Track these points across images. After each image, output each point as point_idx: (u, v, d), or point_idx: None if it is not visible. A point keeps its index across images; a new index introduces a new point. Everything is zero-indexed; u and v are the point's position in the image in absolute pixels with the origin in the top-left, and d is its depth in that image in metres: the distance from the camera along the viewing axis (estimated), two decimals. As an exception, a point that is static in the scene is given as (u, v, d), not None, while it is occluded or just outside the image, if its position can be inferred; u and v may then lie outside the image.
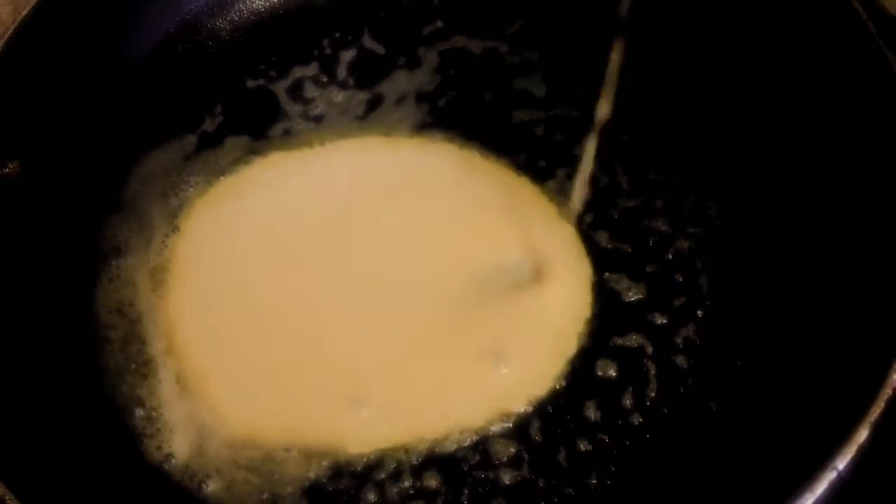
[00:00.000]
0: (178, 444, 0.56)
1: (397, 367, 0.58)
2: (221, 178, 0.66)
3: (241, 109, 0.69)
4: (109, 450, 0.55)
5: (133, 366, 0.59)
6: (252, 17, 0.72)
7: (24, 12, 0.61)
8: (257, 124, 0.68)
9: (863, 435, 0.45)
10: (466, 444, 0.55)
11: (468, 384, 0.57)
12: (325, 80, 0.70)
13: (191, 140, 0.67)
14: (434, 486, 0.54)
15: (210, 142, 0.67)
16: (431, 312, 0.60)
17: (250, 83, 0.70)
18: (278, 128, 0.68)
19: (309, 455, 0.55)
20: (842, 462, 0.45)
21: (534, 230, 0.63)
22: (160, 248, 0.63)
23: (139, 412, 0.57)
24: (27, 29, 0.60)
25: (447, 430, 0.56)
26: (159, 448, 0.56)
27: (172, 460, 0.56)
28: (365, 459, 0.55)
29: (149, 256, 0.63)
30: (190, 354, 0.59)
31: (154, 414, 0.57)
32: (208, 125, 0.68)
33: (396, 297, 0.61)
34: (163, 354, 0.59)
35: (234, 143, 0.67)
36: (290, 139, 0.67)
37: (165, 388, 0.58)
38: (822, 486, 0.44)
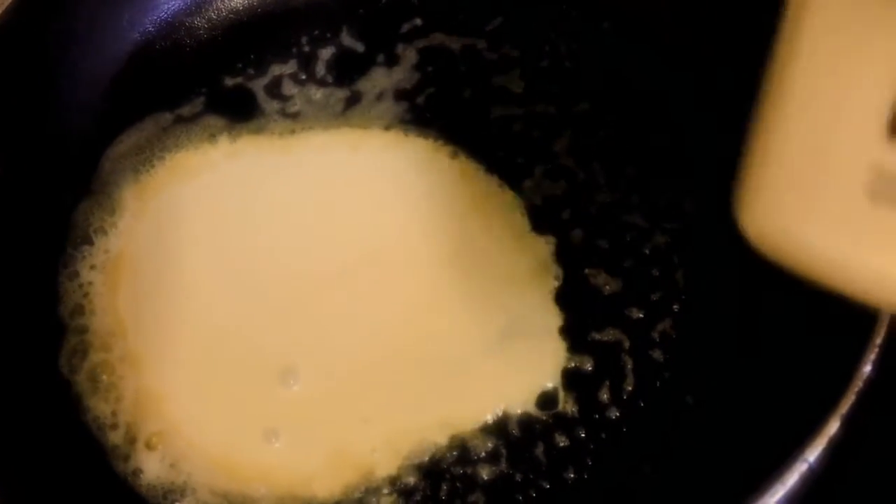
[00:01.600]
0: (147, 460, 0.55)
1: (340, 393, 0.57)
2: (180, 154, 0.66)
3: (219, 107, 0.69)
4: (74, 460, 0.55)
5: (94, 372, 0.58)
6: (230, 16, 0.72)
7: (-1, 11, 0.60)
8: (234, 121, 0.68)
9: (833, 427, 0.46)
10: (442, 443, 0.55)
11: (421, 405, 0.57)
12: (303, 77, 0.70)
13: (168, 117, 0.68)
14: (412, 482, 0.54)
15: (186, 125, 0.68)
16: (379, 323, 0.60)
17: (228, 81, 0.70)
18: (255, 124, 0.68)
19: (282, 497, 0.54)
20: (812, 454, 0.45)
21: (493, 236, 0.62)
22: (121, 236, 0.63)
23: (102, 422, 0.56)
24: (1, 29, 0.60)
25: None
26: (126, 461, 0.55)
27: (141, 475, 0.55)
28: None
29: (110, 246, 0.63)
30: (144, 364, 0.58)
31: (119, 425, 0.56)
32: (185, 114, 0.68)
33: (336, 310, 0.60)
34: (119, 361, 0.58)
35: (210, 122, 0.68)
36: (264, 133, 0.67)
37: (127, 399, 0.57)
38: (793, 478, 0.45)
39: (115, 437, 0.56)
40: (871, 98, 0.33)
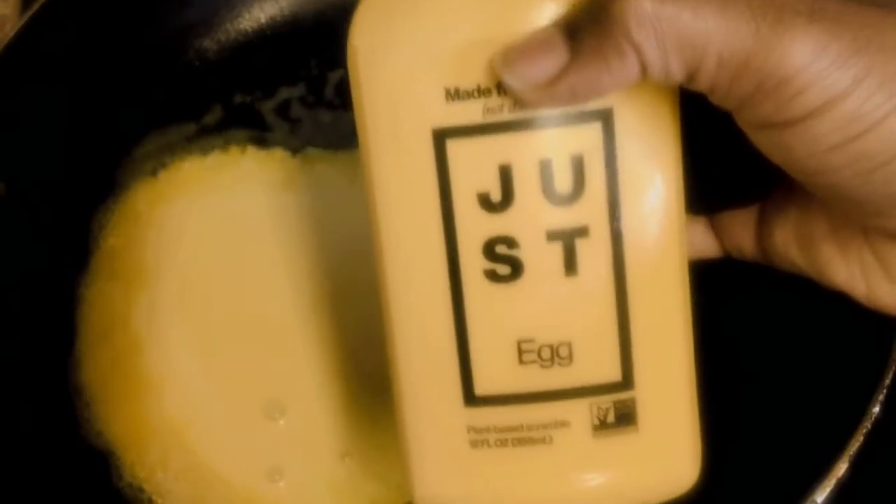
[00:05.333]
0: (168, 492, 0.55)
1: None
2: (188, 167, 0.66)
3: (227, 128, 0.69)
4: (85, 486, 0.55)
5: (115, 395, 0.58)
6: (239, 38, 0.72)
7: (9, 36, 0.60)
8: (243, 142, 0.68)
9: (842, 469, 0.46)
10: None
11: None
12: (312, 100, 0.70)
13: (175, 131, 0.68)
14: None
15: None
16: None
17: (237, 101, 0.70)
18: (264, 145, 0.68)
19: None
20: (821, 496, 0.45)
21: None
22: (134, 245, 0.63)
23: (121, 450, 0.57)
24: (8, 53, 0.60)
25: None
26: (142, 492, 0.55)
27: None
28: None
29: (124, 255, 0.63)
30: (165, 388, 0.58)
31: (138, 453, 0.56)
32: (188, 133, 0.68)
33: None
34: (140, 384, 0.58)
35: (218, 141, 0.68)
36: (273, 152, 0.68)
37: (150, 427, 0.57)
38: (801, 520, 0.45)
39: (133, 466, 0.56)
40: None
